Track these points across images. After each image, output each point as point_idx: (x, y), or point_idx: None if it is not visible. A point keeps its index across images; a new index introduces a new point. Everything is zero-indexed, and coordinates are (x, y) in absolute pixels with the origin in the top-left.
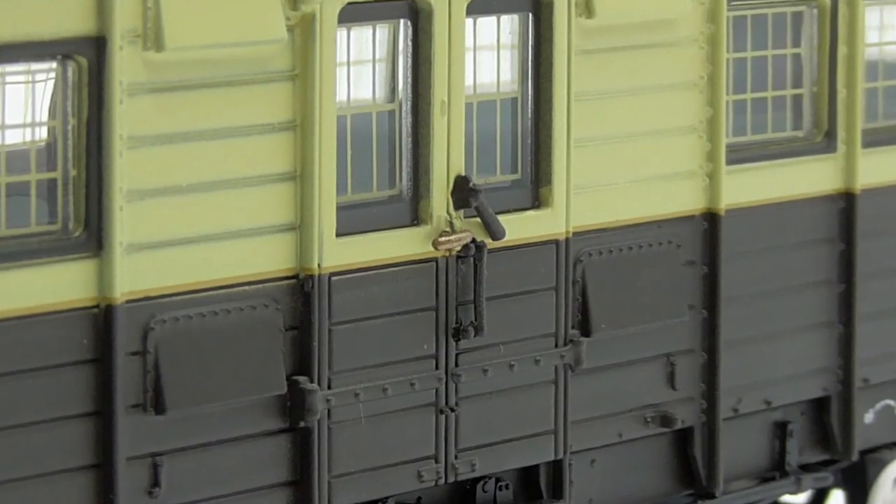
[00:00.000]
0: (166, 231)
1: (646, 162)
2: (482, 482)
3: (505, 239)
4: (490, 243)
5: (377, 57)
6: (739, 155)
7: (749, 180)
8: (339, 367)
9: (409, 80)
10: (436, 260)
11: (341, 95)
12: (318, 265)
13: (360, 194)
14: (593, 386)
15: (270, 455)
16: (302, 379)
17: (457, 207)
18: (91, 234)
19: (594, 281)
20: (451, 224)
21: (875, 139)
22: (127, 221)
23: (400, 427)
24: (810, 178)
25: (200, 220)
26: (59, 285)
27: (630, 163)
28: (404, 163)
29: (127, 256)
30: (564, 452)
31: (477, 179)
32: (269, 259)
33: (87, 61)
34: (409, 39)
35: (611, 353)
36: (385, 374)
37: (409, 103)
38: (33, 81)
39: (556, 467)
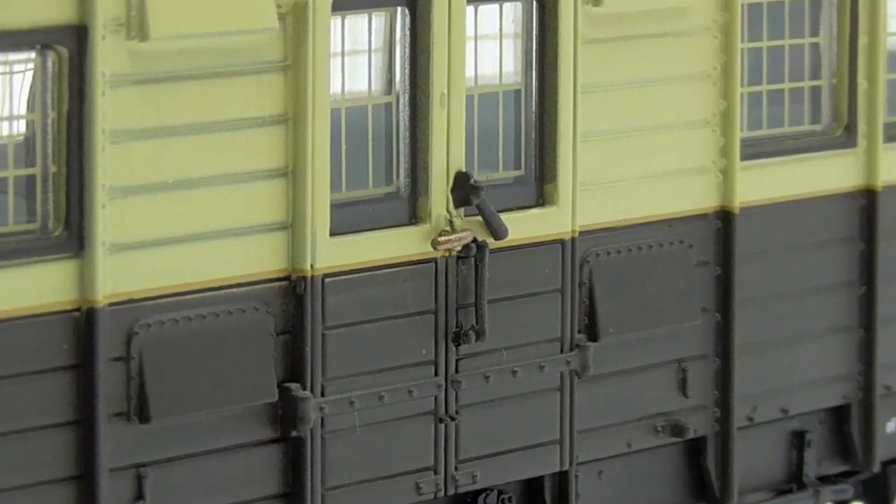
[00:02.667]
0: (151, 230)
1: (656, 157)
2: (484, 495)
3: (508, 238)
4: (492, 243)
5: (373, 47)
6: (755, 150)
7: (765, 177)
8: (333, 373)
9: (407, 71)
10: (435, 260)
11: (335, 87)
12: (311, 266)
13: (356, 191)
14: (601, 393)
15: (261, 466)
16: (294, 386)
17: (457, 205)
18: (72, 234)
19: (602, 283)
20: (450, 223)
21: None
22: (110, 220)
23: (397, 436)
24: (829, 174)
25: (187, 219)
26: (38, 287)
27: (639, 158)
28: (402, 158)
29: (110, 257)
30: (570, 463)
31: (478, 176)
32: (259, 260)
33: (68, 51)
34: (406, 28)
35: (619, 358)
36: (381, 381)
37: (406, 96)
38: (11, 73)
39: (562, 479)
